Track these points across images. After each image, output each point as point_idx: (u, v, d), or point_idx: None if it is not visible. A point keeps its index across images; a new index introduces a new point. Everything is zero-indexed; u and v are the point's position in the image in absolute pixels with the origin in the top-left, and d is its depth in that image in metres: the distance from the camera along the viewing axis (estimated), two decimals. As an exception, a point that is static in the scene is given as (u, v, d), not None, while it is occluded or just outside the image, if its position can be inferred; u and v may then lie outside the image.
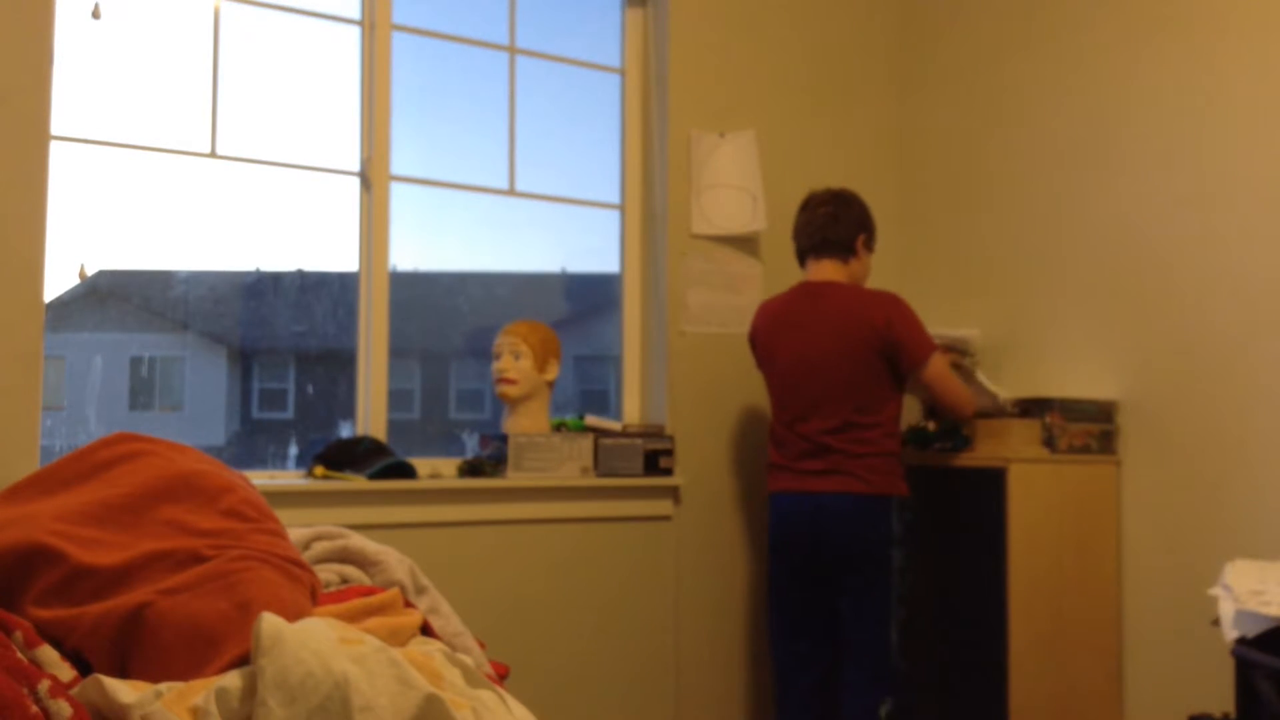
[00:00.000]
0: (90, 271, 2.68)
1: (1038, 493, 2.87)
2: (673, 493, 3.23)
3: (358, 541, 1.85)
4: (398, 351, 3.03)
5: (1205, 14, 2.89)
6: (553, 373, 3.07)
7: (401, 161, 3.06)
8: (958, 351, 3.11)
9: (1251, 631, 2.08)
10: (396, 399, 3.02)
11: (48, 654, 1.14)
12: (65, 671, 1.13)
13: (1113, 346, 3.09)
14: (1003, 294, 3.40)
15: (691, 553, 3.27)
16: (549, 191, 3.33)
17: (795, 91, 3.58)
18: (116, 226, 2.73)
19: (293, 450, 2.96)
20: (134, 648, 1.24)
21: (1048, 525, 2.88)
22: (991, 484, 2.85)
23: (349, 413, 3.01)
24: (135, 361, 2.93)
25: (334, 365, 3.04)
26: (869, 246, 2.99)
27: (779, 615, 2.92)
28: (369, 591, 1.62)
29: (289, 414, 3.15)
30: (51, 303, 2.58)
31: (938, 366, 2.84)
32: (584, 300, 3.57)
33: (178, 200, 2.80)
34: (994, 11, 3.49)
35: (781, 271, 3.45)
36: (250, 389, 3.16)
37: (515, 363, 3.01)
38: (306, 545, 1.83)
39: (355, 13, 3.04)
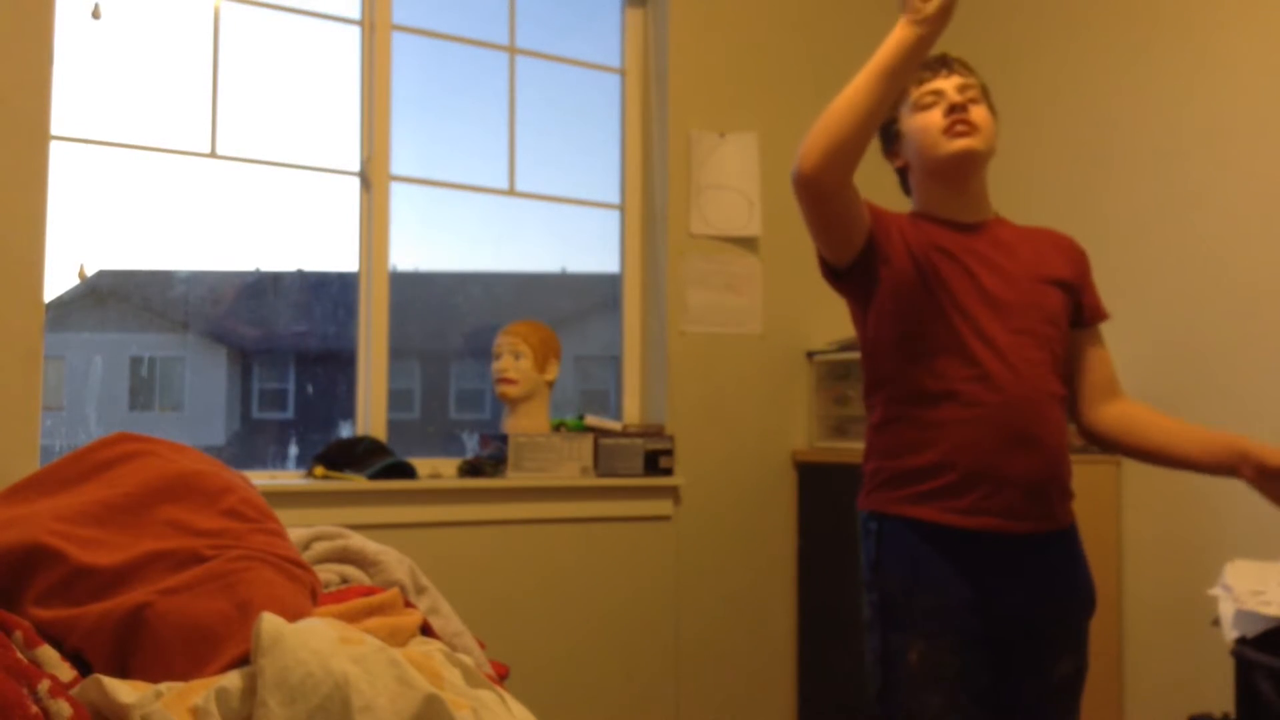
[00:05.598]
0: (90, 271, 2.68)
1: (1038, 493, 2.86)
2: (673, 493, 3.23)
3: (358, 541, 1.85)
4: (398, 351, 3.03)
5: (1205, 14, 2.89)
6: (553, 373, 3.07)
7: (401, 161, 3.06)
8: None
9: (1251, 631, 2.08)
10: (396, 399, 3.02)
11: (48, 654, 1.14)
12: (65, 671, 1.13)
13: (1113, 346, 3.08)
14: (1003, 294, 3.39)
15: (691, 553, 3.27)
16: (549, 191, 3.32)
17: (795, 91, 3.58)
18: (116, 226, 2.73)
19: (293, 450, 2.96)
20: (134, 648, 1.24)
21: (1048, 525, 2.87)
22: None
23: (349, 413, 3.01)
24: (135, 361, 2.93)
25: (334, 365, 3.04)
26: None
27: None
28: (369, 591, 1.62)
29: (289, 414, 3.15)
30: (51, 303, 2.57)
31: None
32: (584, 300, 3.57)
33: (178, 200, 2.80)
34: (992, 13, 3.49)
35: (782, 271, 3.45)
36: (250, 389, 3.16)
37: (515, 363, 3.01)
38: (306, 545, 1.83)
39: (355, 13, 3.04)
